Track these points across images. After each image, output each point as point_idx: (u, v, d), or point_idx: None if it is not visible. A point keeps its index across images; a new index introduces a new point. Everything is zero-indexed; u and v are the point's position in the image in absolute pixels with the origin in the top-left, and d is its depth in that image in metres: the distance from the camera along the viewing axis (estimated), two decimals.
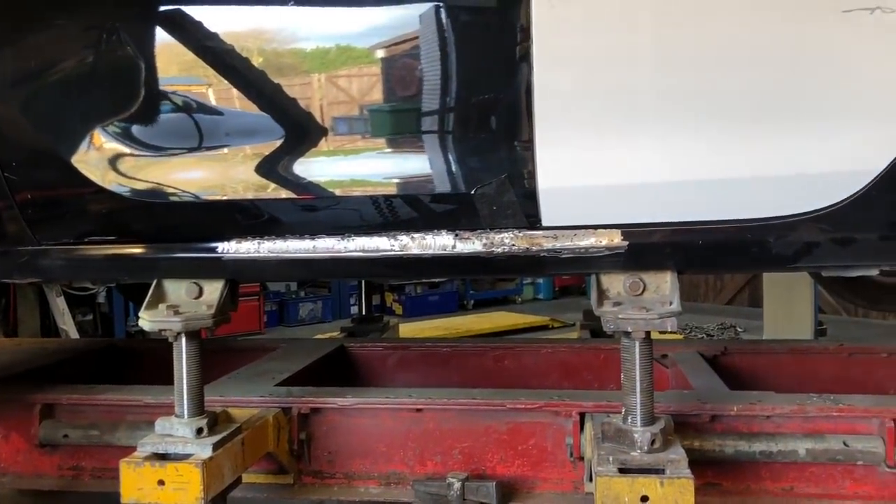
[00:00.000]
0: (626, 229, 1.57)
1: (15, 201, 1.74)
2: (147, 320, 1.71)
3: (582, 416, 1.97)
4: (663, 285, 1.63)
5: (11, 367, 2.55)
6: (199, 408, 1.76)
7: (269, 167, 1.67)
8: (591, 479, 1.86)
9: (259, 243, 1.68)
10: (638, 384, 1.60)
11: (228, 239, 1.70)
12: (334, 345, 2.84)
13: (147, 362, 2.83)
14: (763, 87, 1.48)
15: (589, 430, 1.90)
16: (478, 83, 1.56)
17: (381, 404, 2.07)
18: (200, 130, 1.69)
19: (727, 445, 1.92)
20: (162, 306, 1.76)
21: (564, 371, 2.78)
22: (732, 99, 1.49)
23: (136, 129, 1.70)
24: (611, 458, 1.56)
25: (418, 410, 2.06)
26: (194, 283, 1.78)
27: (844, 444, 1.89)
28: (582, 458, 1.97)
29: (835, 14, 1.43)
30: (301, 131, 1.65)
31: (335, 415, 2.10)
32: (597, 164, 1.54)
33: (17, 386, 2.27)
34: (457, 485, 1.96)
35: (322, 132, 1.64)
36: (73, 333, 5.48)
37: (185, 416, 1.74)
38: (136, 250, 1.76)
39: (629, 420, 1.62)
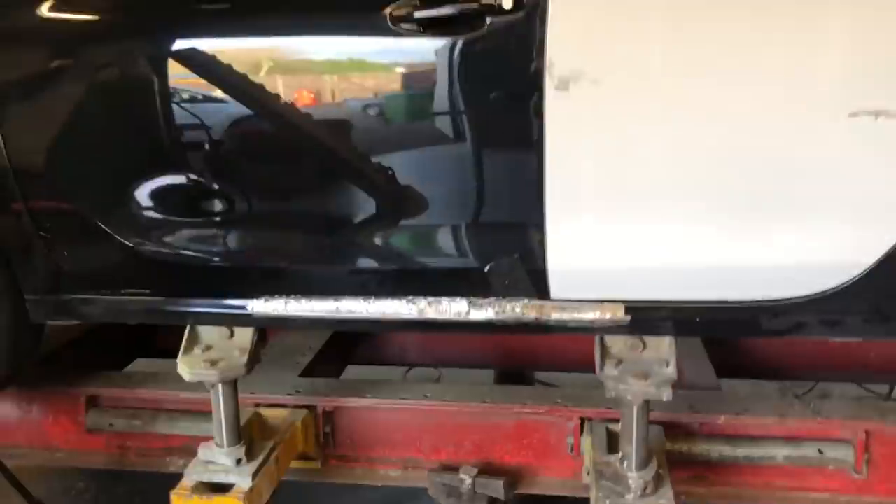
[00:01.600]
0: (629, 304, 1.69)
1: (53, 257, 1.84)
2: (186, 370, 1.87)
3: (582, 419, 2.16)
4: (662, 346, 1.78)
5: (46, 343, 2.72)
6: (236, 437, 1.95)
7: (298, 235, 1.77)
8: (588, 473, 2.10)
9: (286, 302, 1.80)
10: (635, 436, 1.78)
11: (257, 297, 1.81)
12: None
13: None
14: (766, 183, 1.55)
15: (588, 436, 2.10)
16: (494, 173, 1.63)
17: (397, 406, 2.26)
18: (227, 195, 1.77)
19: (713, 450, 2.12)
20: (197, 350, 1.91)
21: None
22: (736, 194, 1.56)
23: (165, 194, 1.78)
24: (608, 502, 1.76)
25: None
26: (226, 327, 1.92)
27: (819, 451, 2.09)
28: (581, 454, 2.18)
29: (842, 116, 1.48)
30: (327, 203, 1.74)
31: (356, 410, 2.29)
32: (603, 247, 1.64)
33: (61, 377, 2.45)
34: (468, 480, 2.18)
35: (346, 205, 1.72)
36: None
37: (225, 446, 1.94)
38: (170, 303, 1.88)
39: (625, 464, 1.81)
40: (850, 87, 1.46)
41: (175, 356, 2.80)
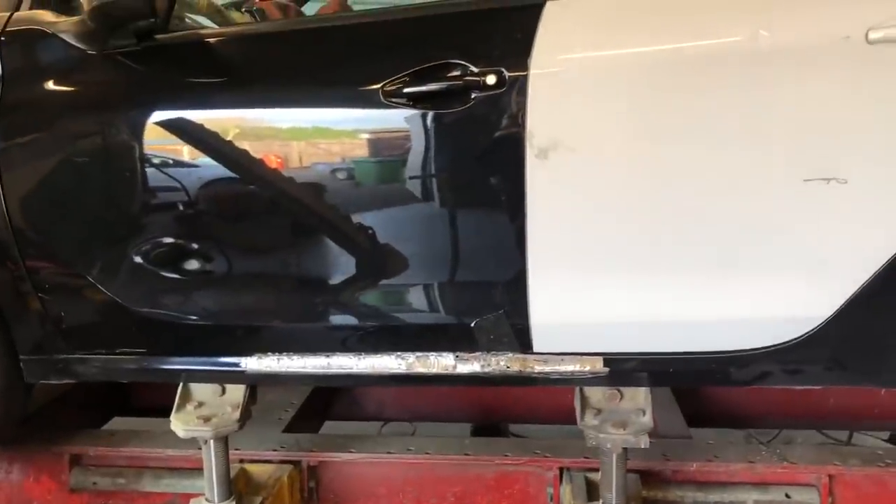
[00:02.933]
0: (608, 356, 1.80)
1: (51, 317, 1.90)
2: (180, 427, 1.92)
3: (561, 469, 2.25)
4: (638, 396, 1.89)
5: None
6: (227, 492, 2.00)
7: (290, 294, 1.86)
8: None
9: (278, 359, 1.87)
10: (614, 483, 1.87)
11: (250, 354, 1.88)
12: None
13: None
14: (731, 242, 1.68)
15: (567, 485, 2.18)
16: (481, 234, 1.75)
17: (381, 459, 2.32)
18: (219, 255, 1.85)
19: (686, 496, 2.22)
20: (190, 407, 1.97)
21: None
22: (703, 252, 1.69)
23: (158, 255, 1.85)
24: None
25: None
26: (218, 384, 1.98)
27: (787, 495, 2.20)
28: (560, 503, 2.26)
29: (797, 181, 1.62)
30: (320, 264, 1.83)
31: (340, 465, 2.35)
32: (582, 304, 1.75)
33: (44, 436, 2.46)
34: None
35: (339, 266, 1.82)
36: None
37: (216, 501, 1.98)
38: (164, 362, 1.94)
39: None
40: (805, 155, 1.60)
41: (148, 414, 2.86)
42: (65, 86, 1.86)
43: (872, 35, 1.53)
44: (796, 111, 1.59)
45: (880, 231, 1.64)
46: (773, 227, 1.65)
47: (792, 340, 1.73)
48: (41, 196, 1.85)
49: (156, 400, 2.68)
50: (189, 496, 2.15)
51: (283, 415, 2.60)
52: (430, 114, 1.68)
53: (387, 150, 1.76)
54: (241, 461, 2.31)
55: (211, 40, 1.84)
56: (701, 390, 2.86)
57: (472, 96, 1.66)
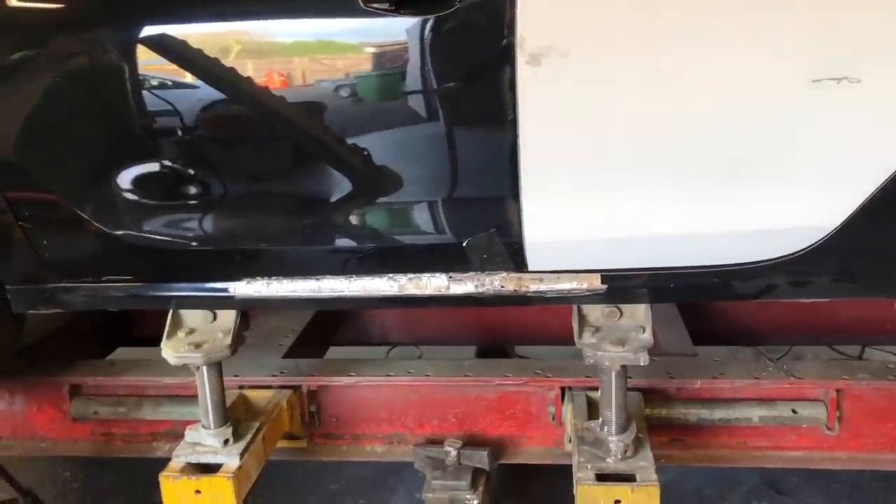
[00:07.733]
0: (605, 273, 1.73)
1: (34, 247, 1.85)
2: (171, 354, 1.89)
3: (563, 389, 2.21)
4: (638, 312, 1.83)
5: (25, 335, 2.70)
6: (223, 419, 1.98)
7: (277, 216, 1.79)
8: (570, 441, 2.14)
9: (267, 283, 1.82)
10: (614, 401, 1.83)
11: (239, 279, 1.83)
12: None
13: None
14: (734, 150, 1.59)
15: (568, 404, 2.15)
16: (470, 149, 1.66)
17: (381, 382, 2.29)
18: (206, 178, 1.78)
19: (691, 414, 2.18)
20: (181, 333, 1.93)
21: None
22: (704, 161, 1.60)
23: (143, 181, 1.79)
24: (589, 466, 1.81)
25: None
26: (209, 310, 1.94)
27: (793, 410, 2.16)
28: (562, 423, 2.23)
29: (805, 82, 1.52)
30: (305, 184, 1.76)
31: (341, 388, 2.33)
32: (578, 219, 1.67)
33: (43, 367, 2.45)
34: (453, 452, 2.22)
35: (323, 186, 1.74)
36: None
37: (212, 427, 1.96)
38: (152, 288, 1.89)
39: (605, 429, 1.86)
40: (814, 53, 1.49)
41: (151, 343, 2.84)
42: (40, 2, 1.76)
43: None
44: (805, 3, 1.47)
45: (892, 136, 1.54)
46: (779, 133, 1.56)
47: (799, 252, 1.66)
48: (19, 122, 1.77)
49: (160, 329, 2.64)
50: (189, 423, 2.13)
51: (284, 341, 2.57)
52: (415, 20, 1.58)
53: (368, 63, 1.66)
54: (241, 387, 2.29)
55: None
56: (708, 307, 2.81)
57: None
